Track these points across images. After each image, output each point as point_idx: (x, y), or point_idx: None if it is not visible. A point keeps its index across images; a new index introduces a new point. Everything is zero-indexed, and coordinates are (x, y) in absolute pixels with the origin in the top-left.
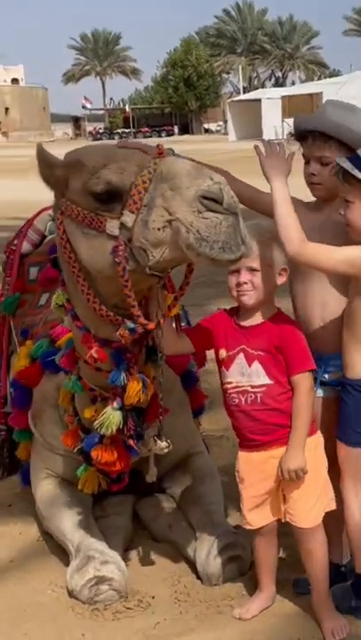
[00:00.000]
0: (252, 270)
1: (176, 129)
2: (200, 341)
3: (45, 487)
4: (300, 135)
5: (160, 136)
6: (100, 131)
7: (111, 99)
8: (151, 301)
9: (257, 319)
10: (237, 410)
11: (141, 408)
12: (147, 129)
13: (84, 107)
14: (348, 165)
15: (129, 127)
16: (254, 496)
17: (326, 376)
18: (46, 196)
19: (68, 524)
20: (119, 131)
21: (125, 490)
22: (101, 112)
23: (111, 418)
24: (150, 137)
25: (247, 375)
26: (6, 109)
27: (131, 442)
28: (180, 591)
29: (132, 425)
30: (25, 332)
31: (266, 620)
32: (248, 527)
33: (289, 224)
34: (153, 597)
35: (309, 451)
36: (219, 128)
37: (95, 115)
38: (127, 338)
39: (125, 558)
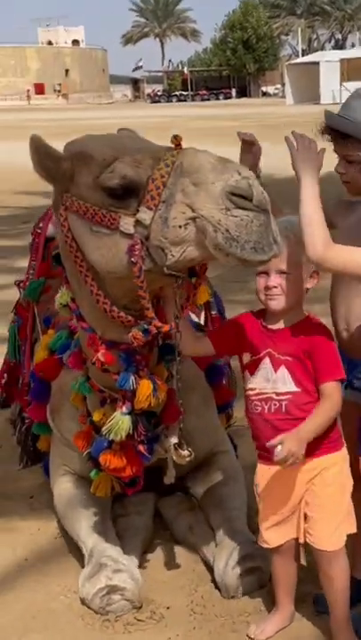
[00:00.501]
0: (282, 273)
1: (234, 92)
2: (222, 344)
3: (63, 485)
4: (325, 130)
5: (218, 99)
6: (159, 93)
7: (170, 61)
8: (167, 301)
9: (286, 322)
10: (260, 418)
11: (154, 411)
12: (204, 92)
13: (136, 68)
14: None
15: (187, 90)
16: (274, 513)
17: (355, 382)
18: None
19: (83, 525)
20: (177, 93)
21: (147, 487)
22: (160, 74)
23: (120, 423)
24: (208, 100)
25: (272, 381)
26: (66, 71)
27: (141, 448)
28: (197, 602)
29: (143, 430)
30: (48, 319)
31: None
32: (265, 545)
33: (313, 225)
34: (168, 608)
35: (334, 467)
36: (276, 91)
37: (154, 77)
38: (140, 340)
39: (143, 561)
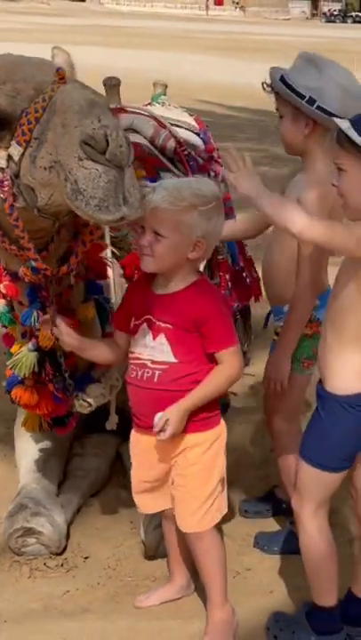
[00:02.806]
0: (156, 234)
1: None
2: (121, 322)
3: (20, 417)
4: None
5: None
6: (335, 13)
7: None
8: (53, 246)
9: (171, 287)
10: (133, 384)
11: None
12: None
13: None
14: (345, 125)
15: None
16: (141, 480)
17: (278, 328)
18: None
19: (23, 461)
20: (353, 14)
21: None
22: None
23: (24, 359)
24: None
25: (150, 348)
26: None
27: (50, 387)
28: (117, 557)
29: (51, 369)
30: None
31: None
32: (140, 510)
33: (285, 207)
34: (86, 558)
35: (199, 447)
36: None
37: None
38: (29, 276)
39: (85, 505)
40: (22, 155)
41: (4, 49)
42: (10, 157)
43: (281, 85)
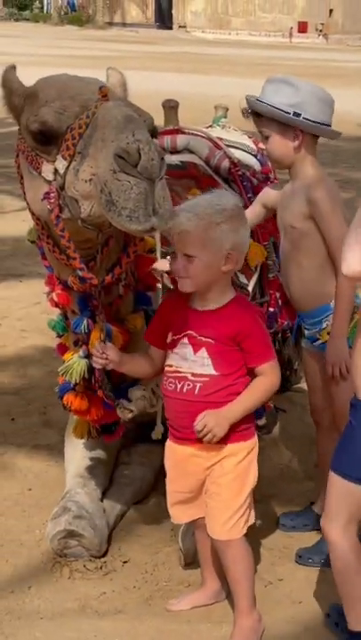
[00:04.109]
0: (187, 256)
1: None
2: (157, 339)
3: (71, 418)
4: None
5: None
6: None
7: None
8: (101, 256)
9: (211, 304)
10: (172, 396)
11: None
12: None
13: None
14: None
15: None
16: (176, 491)
17: (306, 331)
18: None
19: (71, 466)
20: None
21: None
22: None
23: (75, 366)
24: None
25: (190, 362)
26: (330, 11)
27: (100, 393)
28: (155, 562)
29: (99, 376)
30: None
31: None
32: (173, 521)
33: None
34: (125, 562)
35: (235, 457)
36: None
37: None
38: (77, 285)
39: (128, 512)
40: (67, 168)
41: (94, 75)
42: (56, 171)
43: (266, 106)
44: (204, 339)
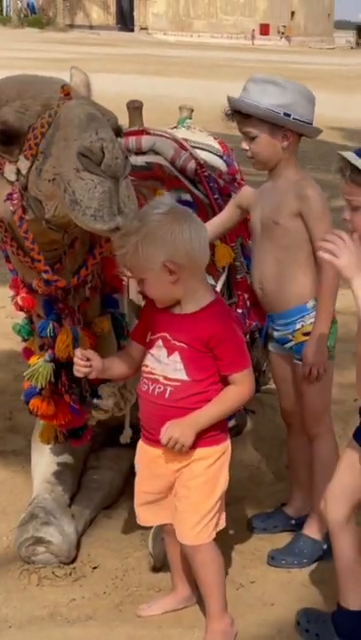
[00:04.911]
0: (140, 280)
1: None
2: (141, 337)
3: (37, 423)
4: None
5: None
6: None
7: None
8: (67, 258)
9: (186, 308)
10: (144, 397)
11: None
12: None
13: None
14: (350, 156)
15: None
16: (144, 492)
17: (275, 333)
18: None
19: (37, 471)
20: None
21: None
22: None
23: (41, 370)
24: None
25: (164, 364)
26: (292, 13)
27: (67, 398)
28: (125, 567)
29: (66, 380)
30: None
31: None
32: (139, 523)
33: None
34: (95, 568)
35: (206, 461)
36: None
37: None
38: (42, 289)
39: (97, 517)
40: (30, 168)
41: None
42: (18, 171)
43: (258, 107)
44: (177, 343)
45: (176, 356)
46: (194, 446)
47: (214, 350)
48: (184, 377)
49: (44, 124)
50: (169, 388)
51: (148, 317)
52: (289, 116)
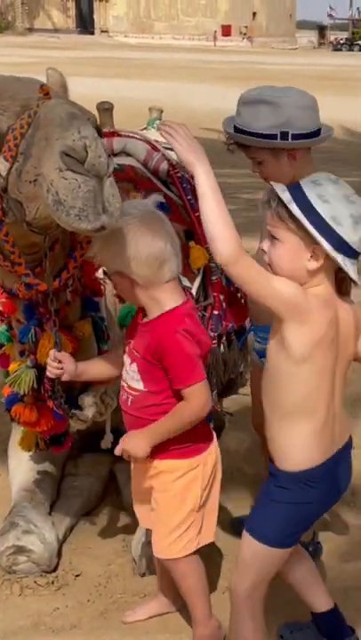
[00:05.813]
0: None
1: None
2: None
3: (15, 435)
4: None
5: None
6: (341, 41)
7: (358, 9)
8: (49, 260)
9: (148, 316)
10: (119, 404)
11: None
12: None
13: (329, 15)
14: (286, 197)
15: None
16: (135, 490)
17: (256, 345)
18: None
19: (16, 480)
20: (360, 43)
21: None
22: (346, 22)
23: (23, 376)
24: None
25: (127, 372)
26: (254, 14)
27: (50, 404)
28: (109, 574)
29: (50, 386)
30: None
31: None
32: (140, 523)
33: (218, 224)
34: (77, 576)
35: (174, 474)
36: None
37: (340, 24)
38: (24, 293)
39: (78, 524)
40: (10, 170)
41: None
42: None
43: (251, 138)
44: (135, 352)
45: (134, 366)
46: (159, 457)
47: (161, 362)
48: (141, 387)
49: (24, 124)
50: (130, 397)
51: (132, 322)
52: (287, 134)
